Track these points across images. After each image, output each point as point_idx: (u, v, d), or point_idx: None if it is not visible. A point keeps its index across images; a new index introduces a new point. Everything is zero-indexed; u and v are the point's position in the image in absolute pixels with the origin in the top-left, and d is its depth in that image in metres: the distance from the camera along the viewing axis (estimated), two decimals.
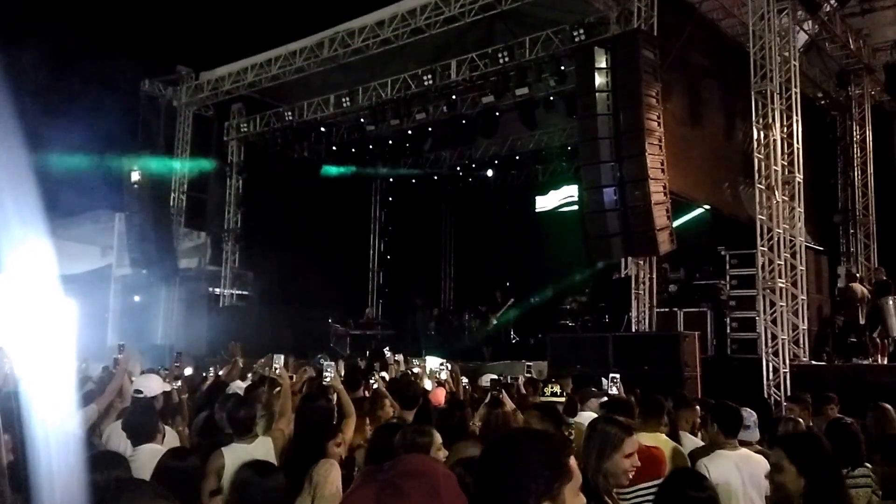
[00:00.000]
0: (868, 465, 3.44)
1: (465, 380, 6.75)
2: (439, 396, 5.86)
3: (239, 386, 5.79)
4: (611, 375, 4.97)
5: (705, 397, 6.89)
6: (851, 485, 3.27)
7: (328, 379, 4.40)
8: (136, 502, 1.53)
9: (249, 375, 6.87)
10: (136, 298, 15.62)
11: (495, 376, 6.22)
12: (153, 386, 4.21)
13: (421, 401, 4.76)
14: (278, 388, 4.44)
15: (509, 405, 4.43)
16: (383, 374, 6.61)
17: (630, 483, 3.22)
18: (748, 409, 4.24)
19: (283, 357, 4.94)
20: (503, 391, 5.24)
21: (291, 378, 5.17)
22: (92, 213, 16.13)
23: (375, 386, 5.58)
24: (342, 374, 6.68)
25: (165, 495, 1.71)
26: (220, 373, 6.63)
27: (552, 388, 4.74)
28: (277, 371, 4.79)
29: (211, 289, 15.56)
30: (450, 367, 6.37)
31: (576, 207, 14.72)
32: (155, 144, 15.45)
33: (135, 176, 14.89)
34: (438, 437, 2.58)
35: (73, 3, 13.44)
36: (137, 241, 14.95)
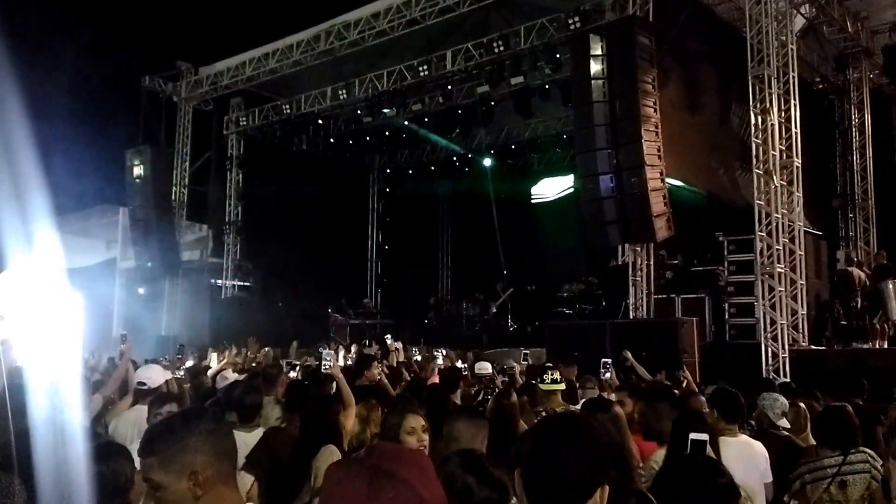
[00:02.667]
0: (867, 449, 3.37)
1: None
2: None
3: (232, 375, 5.84)
4: (602, 360, 5.05)
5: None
6: (848, 471, 3.22)
7: (327, 367, 4.46)
8: (199, 425, 1.57)
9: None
10: (141, 291, 15.79)
11: (489, 368, 6.23)
12: (155, 377, 4.26)
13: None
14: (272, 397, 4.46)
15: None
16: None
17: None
18: (782, 398, 4.26)
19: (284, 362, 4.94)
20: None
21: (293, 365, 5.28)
22: (96, 208, 16.28)
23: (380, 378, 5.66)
24: (347, 360, 6.79)
25: (223, 420, 1.77)
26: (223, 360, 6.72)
27: (552, 374, 4.78)
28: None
29: (213, 280, 15.73)
30: (444, 353, 6.46)
31: (571, 191, 14.73)
32: (156, 139, 15.56)
33: (137, 170, 15.01)
34: (420, 421, 2.64)
35: (73, 3, 13.48)
36: (141, 235, 15.09)
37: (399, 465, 1.11)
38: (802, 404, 4.90)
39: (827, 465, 3.27)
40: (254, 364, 7.15)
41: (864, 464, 3.26)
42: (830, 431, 3.38)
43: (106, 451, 2.28)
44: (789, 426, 4.21)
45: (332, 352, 4.87)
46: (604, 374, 5.10)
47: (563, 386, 4.69)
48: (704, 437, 2.40)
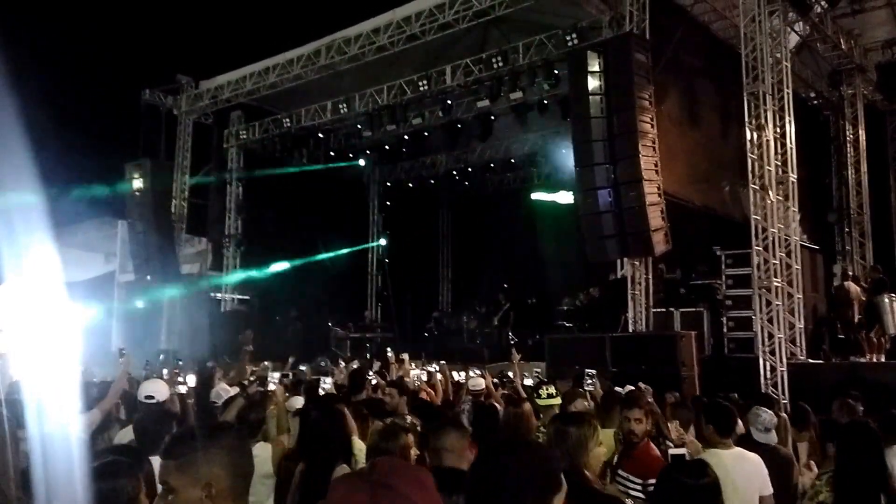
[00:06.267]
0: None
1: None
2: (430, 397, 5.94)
3: (225, 389, 5.82)
4: (587, 371, 5.11)
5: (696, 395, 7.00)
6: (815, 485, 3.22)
7: (325, 389, 4.47)
8: (222, 438, 1.58)
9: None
10: (140, 304, 15.76)
11: (482, 384, 6.15)
12: (163, 390, 4.26)
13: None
14: (273, 407, 4.47)
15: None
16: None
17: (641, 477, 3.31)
18: (769, 412, 4.22)
19: (278, 374, 4.96)
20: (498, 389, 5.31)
21: (287, 377, 5.27)
22: (95, 221, 16.28)
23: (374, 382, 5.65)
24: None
25: (246, 439, 1.78)
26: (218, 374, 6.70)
27: (548, 389, 4.78)
28: (272, 388, 4.79)
29: (212, 294, 15.70)
30: (436, 368, 6.43)
31: (571, 201, 14.78)
32: (156, 152, 15.62)
33: (137, 183, 15.05)
34: (410, 438, 2.66)
35: (74, 16, 13.62)
36: (140, 248, 15.09)
37: (399, 480, 1.14)
38: (784, 415, 4.90)
39: None
40: (251, 378, 7.12)
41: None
42: (855, 444, 3.39)
43: (108, 468, 2.27)
44: (776, 440, 4.17)
45: (331, 378, 4.88)
46: (587, 386, 5.14)
47: (558, 400, 4.70)
48: (682, 451, 2.49)
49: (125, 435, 3.95)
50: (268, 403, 4.57)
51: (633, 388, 5.65)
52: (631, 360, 8.96)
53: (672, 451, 2.50)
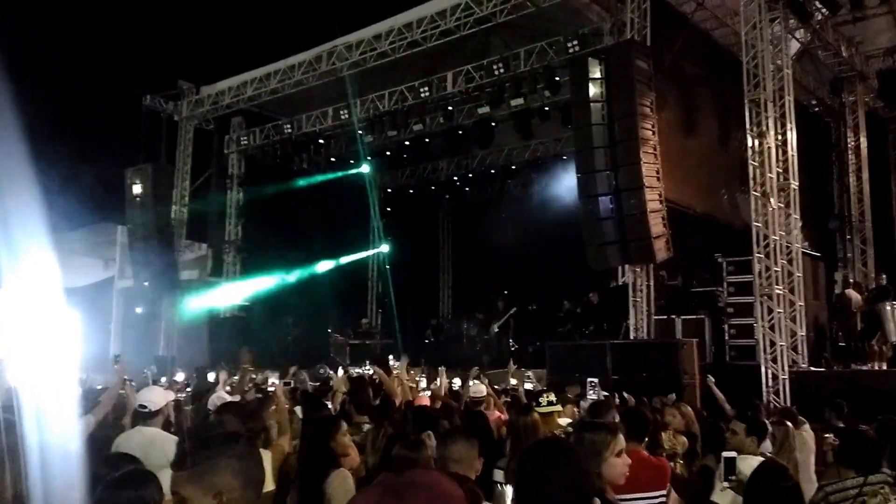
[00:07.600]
0: (887, 471, 3.40)
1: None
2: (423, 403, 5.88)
3: (220, 397, 5.76)
4: (588, 380, 5.09)
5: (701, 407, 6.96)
6: (868, 492, 3.25)
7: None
8: (232, 447, 1.58)
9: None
10: (138, 310, 15.71)
11: (483, 390, 6.08)
12: (157, 399, 4.20)
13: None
14: (274, 407, 4.44)
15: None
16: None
17: (633, 490, 3.27)
18: (765, 422, 4.25)
19: (277, 374, 4.95)
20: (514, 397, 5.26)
21: (288, 384, 5.23)
22: (94, 227, 16.26)
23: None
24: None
25: (256, 448, 1.78)
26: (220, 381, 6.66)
27: (547, 397, 4.75)
28: (272, 389, 4.78)
29: None
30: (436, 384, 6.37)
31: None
32: (157, 158, 15.62)
33: (136, 189, 15.04)
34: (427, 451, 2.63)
35: (75, 21, 13.65)
36: (139, 253, 15.07)
37: (413, 493, 1.13)
38: (789, 423, 4.89)
39: (850, 486, 3.30)
40: (250, 386, 7.07)
41: (882, 485, 3.29)
42: (851, 454, 3.42)
43: (133, 476, 2.23)
44: (771, 449, 4.18)
45: (330, 404, 4.87)
46: (589, 394, 5.12)
47: (559, 407, 4.67)
48: (733, 454, 2.60)
49: (125, 440, 3.91)
50: (268, 406, 4.54)
51: (606, 394, 5.65)
52: (632, 367, 8.91)
53: (725, 453, 2.65)
